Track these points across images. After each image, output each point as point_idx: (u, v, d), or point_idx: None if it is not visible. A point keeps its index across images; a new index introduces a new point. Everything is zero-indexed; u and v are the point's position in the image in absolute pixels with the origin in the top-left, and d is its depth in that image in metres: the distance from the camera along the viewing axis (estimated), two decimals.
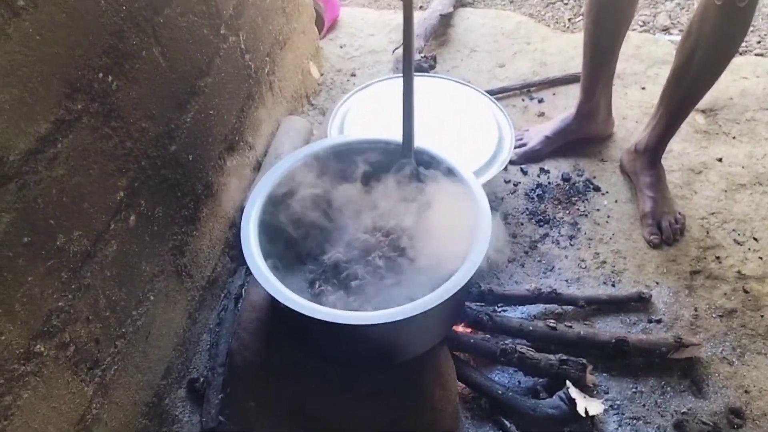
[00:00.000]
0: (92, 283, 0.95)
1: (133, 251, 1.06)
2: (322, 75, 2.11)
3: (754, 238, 1.62)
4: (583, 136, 1.86)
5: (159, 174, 1.11)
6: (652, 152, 1.66)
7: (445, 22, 2.31)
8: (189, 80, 1.19)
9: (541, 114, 1.99)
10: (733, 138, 1.89)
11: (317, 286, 1.19)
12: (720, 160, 1.82)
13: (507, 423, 1.27)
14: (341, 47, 2.27)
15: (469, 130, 1.62)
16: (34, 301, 0.83)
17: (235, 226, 1.45)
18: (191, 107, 1.20)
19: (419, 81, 1.77)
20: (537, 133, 1.86)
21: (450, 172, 1.25)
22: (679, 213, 1.64)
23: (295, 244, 1.27)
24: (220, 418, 1.26)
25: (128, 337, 1.08)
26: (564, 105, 2.00)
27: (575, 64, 2.11)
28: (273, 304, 1.22)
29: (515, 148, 1.83)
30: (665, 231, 1.61)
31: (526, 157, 1.84)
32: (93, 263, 0.95)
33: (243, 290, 1.41)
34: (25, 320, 0.82)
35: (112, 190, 0.98)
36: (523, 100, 2.05)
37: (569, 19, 2.46)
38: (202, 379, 1.31)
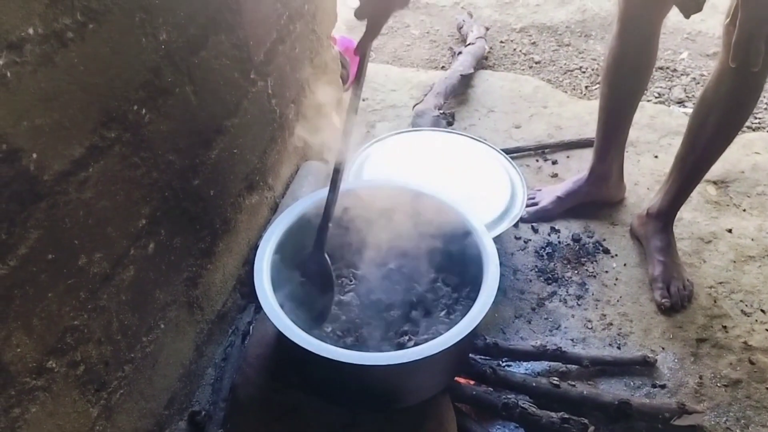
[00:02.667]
0: (108, 305, 0.98)
1: (149, 278, 1.09)
2: None
3: (762, 310, 1.62)
4: (594, 199, 1.89)
5: (180, 206, 1.15)
6: (663, 217, 1.69)
7: (465, 82, 2.39)
8: (217, 119, 1.24)
9: (555, 175, 2.03)
10: (744, 210, 1.91)
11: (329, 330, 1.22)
12: (730, 231, 1.84)
13: None
14: (364, 100, 2.34)
15: (483, 184, 1.66)
16: (51, 317, 0.86)
17: (248, 264, 1.48)
18: (216, 145, 1.25)
19: (437, 135, 1.84)
20: (549, 194, 1.90)
21: (461, 222, 1.28)
22: (688, 280, 1.65)
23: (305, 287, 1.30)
24: None
25: (136, 363, 1.10)
26: (577, 168, 2.04)
27: (590, 129, 2.16)
28: (279, 340, 1.24)
29: (527, 206, 1.86)
30: (674, 296, 1.62)
31: (537, 216, 1.87)
32: (110, 286, 0.98)
33: (251, 327, 1.43)
34: (41, 335, 0.85)
35: (136, 216, 1.02)
36: (537, 160, 2.09)
37: (586, 87, 2.53)
38: (203, 413, 1.31)
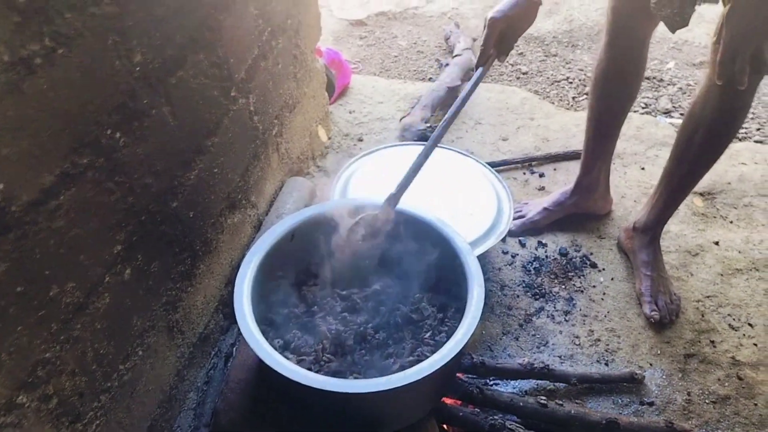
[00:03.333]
0: (81, 335, 0.95)
1: (125, 305, 1.06)
2: (329, 138, 2.16)
3: (749, 324, 1.61)
4: (580, 211, 1.88)
5: (158, 229, 1.12)
6: (650, 231, 1.68)
7: (453, 94, 2.37)
8: (196, 139, 1.22)
9: (542, 188, 2.02)
10: (731, 222, 1.91)
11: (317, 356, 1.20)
12: (717, 243, 1.83)
13: None
14: (350, 113, 2.33)
15: (469, 200, 1.64)
16: (21, 351, 0.83)
17: (231, 284, 1.45)
18: (196, 165, 1.23)
19: (422, 149, 1.82)
20: (536, 206, 1.89)
21: (445, 241, 1.26)
22: (675, 294, 1.64)
23: (291, 304, 1.28)
24: None
25: (113, 392, 1.07)
26: (564, 180, 2.03)
27: (577, 141, 2.15)
28: (261, 366, 1.21)
29: (514, 219, 1.85)
30: (662, 310, 1.61)
31: (525, 228, 1.86)
32: (84, 315, 0.95)
33: (234, 349, 1.40)
34: (10, 370, 0.82)
35: (110, 243, 1.00)
36: (524, 173, 2.08)
37: (573, 98, 2.53)
38: None
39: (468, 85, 1.36)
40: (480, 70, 1.39)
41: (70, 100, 0.85)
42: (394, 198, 1.28)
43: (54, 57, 0.81)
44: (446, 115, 1.35)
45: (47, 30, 0.79)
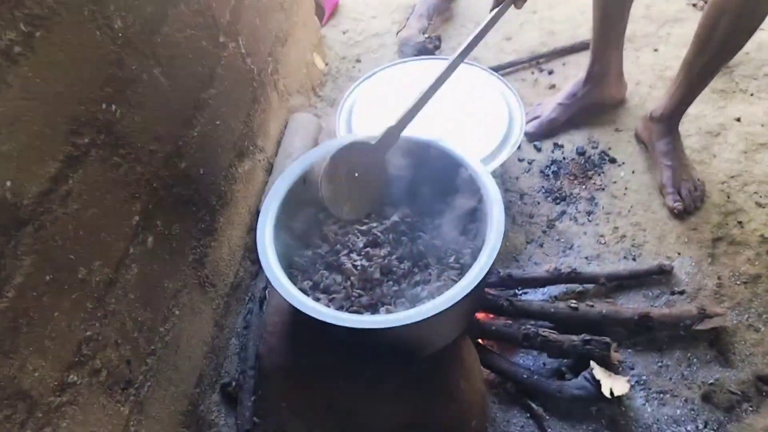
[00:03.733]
0: (117, 308, 0.98)
1: (154, 271, 1.08)
2: (326, 65, 2.10)
3: None
4: (595, 101, 1.83)
5: (172, 193, 1.12)
6: (667, 121, 1.64)
7: None
8: (193, 95, 1.20)
9: (552, 86, 1.96)
10: (751, 95, 1.85)
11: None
12: (738, 120, 1.78)
13: (534, 406, 1.29)
14: (344, 33, 2.25)
15: (478, 112, 1.61)
16: (62, 334, 0.86)
17: (252, 231, 1.47)
18: (197, 122, 1.21)
19: (423, 64, 1.76)
20: (550, 103, 1.85)
21: (456, 163, 1.24)
22: (698, 180, 1.62)
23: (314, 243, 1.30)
24: (254, 420, 1.29)
25: (158, 354, 1.11)
26: (574, 75, 1.96)
27: (584, 30, 2.07)
28: (296, 309, 1.24)
29: (529, 121, 1.83)
30: (686, 199, 1.59)
31: (543, 128, 1.82)
32: (116, 289, 0.98)
33: (266, 292, 1.44)
34: (56, 354, 0.85)
35: (128, 215, 1.00)
36: (532, 73, 2.02)
37: None
38: (234, 383, 1.35)
39: (477, 29, 1.30)
40: (494, 12, 1.31)
41: (58, 82, 0.83)
42: (393, 131, 1.24)
43: (33, 42, 0.78)
44: (452, 58, 1.28)
45: (20, 15, 0.76)
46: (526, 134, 1.83)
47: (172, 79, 1.11)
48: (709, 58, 1.47)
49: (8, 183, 0.76)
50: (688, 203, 1.58)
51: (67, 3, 0.84)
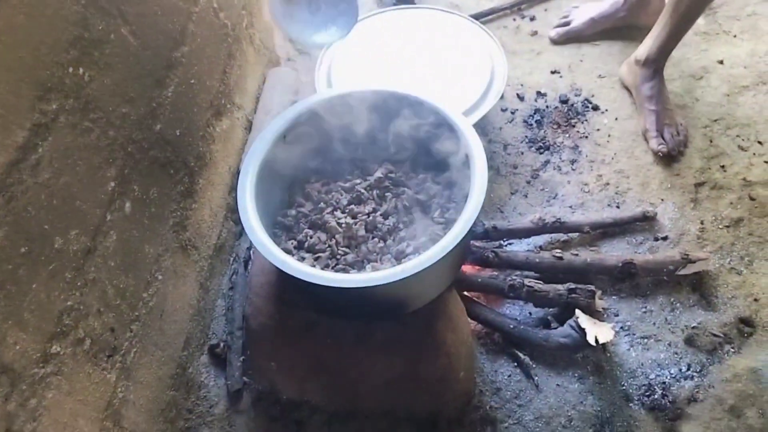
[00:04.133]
0: (97, 276, 0.97)
1: (133, 237, 1.06)
2: None
3: (759, 142, 1.59)
4: (631, 24, 1.85)
5: (148, 156, 1.10)
6: (651, 64, 1.61)
7: None
8: (164, 54, 1.15)
9: (534, 33, 1.92)
10: (734, 37, 1.82)
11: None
12: (721, 62, 1.76)
13: (521, 355, 1.31)
14: None
15: (460, 62, 1.57)
16: (42, 306, 0.85)
17: (234, 190, 1.45)
18: (170, 81, 1.17)
19: (402, 14, 1.72)
20: (583, 14, 1.87)
21: (437, 115, 1.22)
22: (681, 124, 1.61)
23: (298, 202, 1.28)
24: (244, 380, 1.30)
25: (143, 319, 1.10)
26: (557, 20, 1.93)
27: None
28: (280, 269, 1.24)
29: (558, 27, 1.89)
30: (669, 142, 1.58)
31: (568, 37, 1.88)
32: (95, 257, 0.96)
33: (251, 252, 1.43)
34: (36, 326, 0.84)
35: (102, 182, 0.98)
36: (514, 20, 1.98)
37: None
38: (222, 344, 1.35)
39: None
40: None
41: (20, 47, 0.80)
42: None
43: None
44: None
45: None
46: (549, 38, 1.91)
47: (142, 38, 1.07)
48: None
49: None
50: (671, 146, 1.57)
51: None
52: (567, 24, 1.89)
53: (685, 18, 1.50)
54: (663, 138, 1.59)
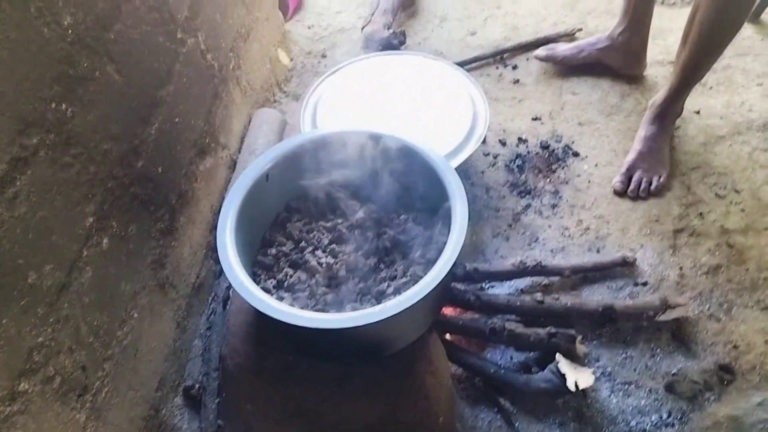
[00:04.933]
0: (71, 313, 0.95)
1: (110, 274, 1.05)
2: (291, 60, 2.08)
3: (736, 191, 1.62)
4: (611, 63, 1.91)
5: (128, 192, 1.10)
6: (656, 108, 1.67)
7: None
8: (149, 92, 1.17)
9: (516, 81, 1.96)
10: (710, 88, 1.88)
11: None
12: (698, 112, 1.81)
13: (501, 401, 1.29)
14: (309, 28, 2.22)
15: (444, 107, 1.60)
16: (12, 342, 0.83)
17: (215, 229, 1.44)
18: (155, 119, 1.18)
19: (388, 59, 1.75)
20: (570, 43, 1.96)
21: (420, 158, 1.23)
22: (660, 176, 1.63)
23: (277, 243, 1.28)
24: (219, 423, 1.27)
25: (116, 358, 1.08)
26: (538, 69, 1.98)
27: (547, 25, 2.08)
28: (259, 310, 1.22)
29: (545, 47, 1.97)
30: (633, 183, 1.62)
31: (552, 58, 1.95)
32: (69, 293, 0.95)
33: (230, 292, 1.41)
34: (4, 362, 0.82)
35: (80, 217, 0.97)
36: (497, 68, 2.02)
37: None
38: (197, 386, 1.32)
39: None
40: None
41: (4, 81, 0.80)
42: None
43: None
44: None
45: None
46: (534, 55, 1.98)
47: (127, 77, 1.08)
48: (690, 51, 1.50)
49: None
50: (630, 188, 1.61)
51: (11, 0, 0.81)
52: (553, 48, 1.96)
53: (685, 71, 1.57)
54: (628, 176, 1.62)
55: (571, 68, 1.95)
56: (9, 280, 0.82)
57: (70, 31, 0.92)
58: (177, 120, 1.26)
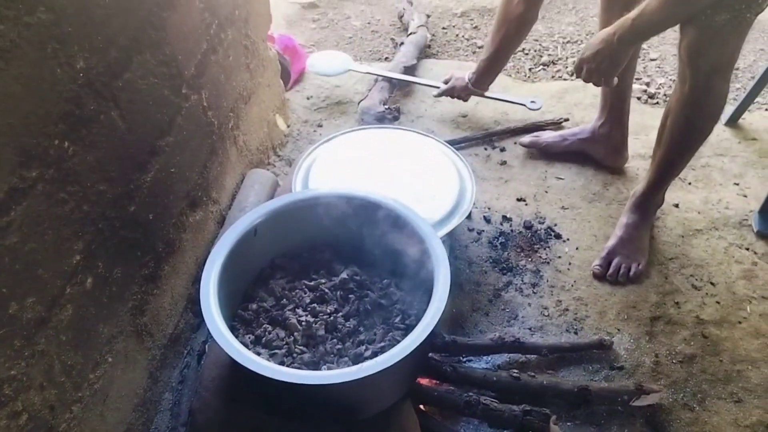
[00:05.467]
0: (46, 349, 0.94)
1: (90, 314, 1.05)
2: (288, 126, 2.14)
3: (711, 283, 1.66)
4: (593, 155, 1.99)
5: (117, 235, 1.11)
6: (636, 199, 1.74)
7: (410, 73, 2.36)
8: (149, 140, 1.20)
9: (503, 162, 2.03)
10: (689, 184, 1.95)
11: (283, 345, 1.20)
12: (677, 205, 1.87)
13: None
14: (308, 98, 2.30)
15: (432, 180, 1.65)
16: None
17: (197, 282, 1.44)
18: (151, 167, 1.21)
19: (383, 133, 1.81)
20: (554, 132, 2.03)
21: (408, 225, 1.27)
22: (639, 264, 1.67)
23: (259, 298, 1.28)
24: None
25: (85, 401, 1.06)
26: (525, 154, 2.05)
27: (535, 113, 2.17)
28: (234, 363, 1.22)
29: (528, 140, 2.04)
30: (612, 268, 1.66)
31: (536, 145, 2.03)
32: (47, 329, 0.94)
33: (206, 346, 1.40)
34: None
35: (68, 254, 0.98)
36: (485, 149, 2.09)
37: (530, 69, 2.54)
38: None
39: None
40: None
41: (12, 113, 0.83)
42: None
43: None
44: None
45: None
46: (519, 143, 2.06)
47: (130, 123, 1.12)
48: (665, 150, 1.59)
49: None
50: (609, 273, 1.65)
51: (29, 38, 0.85)
52: (537, 136, 2.04)
53: (660, 167, 1.65)
54: (608, 261, 1.67)
55: (555, 154, 2.03)
56: None
57: (81, 74, 0.97)
58: (173, 170, 1.29)
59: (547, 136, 2.03)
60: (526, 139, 2.05)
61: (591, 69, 1.47)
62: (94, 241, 1.04)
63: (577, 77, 1.55)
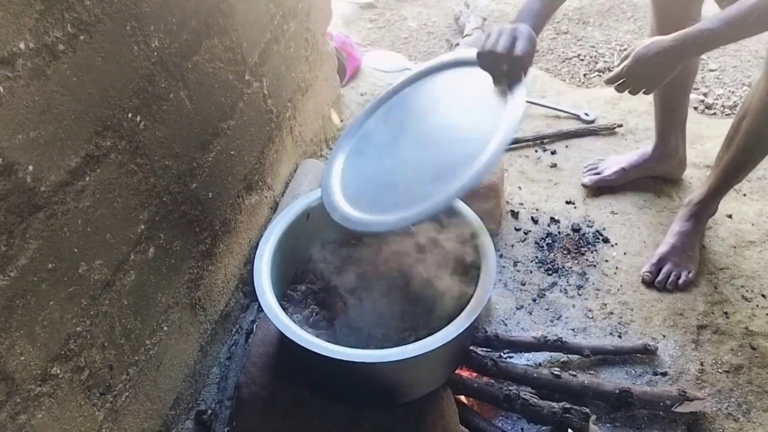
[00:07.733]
0: (109, 310, 1.00)
1: (150, 282, 1.10)
2: (342, 121, 2.19)
3: (762, 295, 1.62)
4: (657, 174, 1.95)
5: (179, 209, 1.16)
6: (692, 207, 1.71)
7: None
8: (213, 122, 1.25)
9: (554, 165, 2.03)
10: (744, 195, 1.91)
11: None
12: (730, 216, 1.84)
13: None
14: (361, 95, 2.35)
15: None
16: (54, 324, 0.88)
17: (250, 263, 1.49)
18: (213, 148, 1.26)
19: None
20: (613, 164, 1.95)
21: (456, 212, 1.28)
22: (690, 272, 1.64)
23: (306, 281, 1.32)
24: None
25: (140, 365, 1.11)
26: (576, 157, 2.05)
27: (589, 118, 2.16)
28: (281, 340, 1.26)
29: (589, 174, 1.95)
30: (662, 275, 1.64)
31: (600, 185, 1.93)
32: (111, 291, 1.00)
33: (254, 326, 1.44)
34: (44, 343, 0.86)
35: (134, 222, 1.04)
36: (536, 151, 2.09)
37: (584, 75, 2.52)
38: (210, 412, 1.34)
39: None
40: None
41: (92, 84, 0.89)
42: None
43: (76, 43, 0.85)
44: None
45: (69, 17, 0.83)
46: (582, 184, 1.96)
47: (196, 104, 1.18)
48: (733, 155, 1.55)
49: (30, 167, 0.80)
50: (661, 280, 1.63)
51: (112, 15, 0.91)
52: (598, 173, 1.95)
53: (724, 173, 1.61)
54: (658, 268, 1.64)
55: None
56: (62, 266, 0.88)
57: (155, 53, 1.02)
58: (233, 153, 1.34)
59: (608, 172, 1.94)
60: (588, 181, 1.94)
61: (640, 78, 1.42)
62: (158, 212, 1.10)
63: (612, 84, 1.47)
